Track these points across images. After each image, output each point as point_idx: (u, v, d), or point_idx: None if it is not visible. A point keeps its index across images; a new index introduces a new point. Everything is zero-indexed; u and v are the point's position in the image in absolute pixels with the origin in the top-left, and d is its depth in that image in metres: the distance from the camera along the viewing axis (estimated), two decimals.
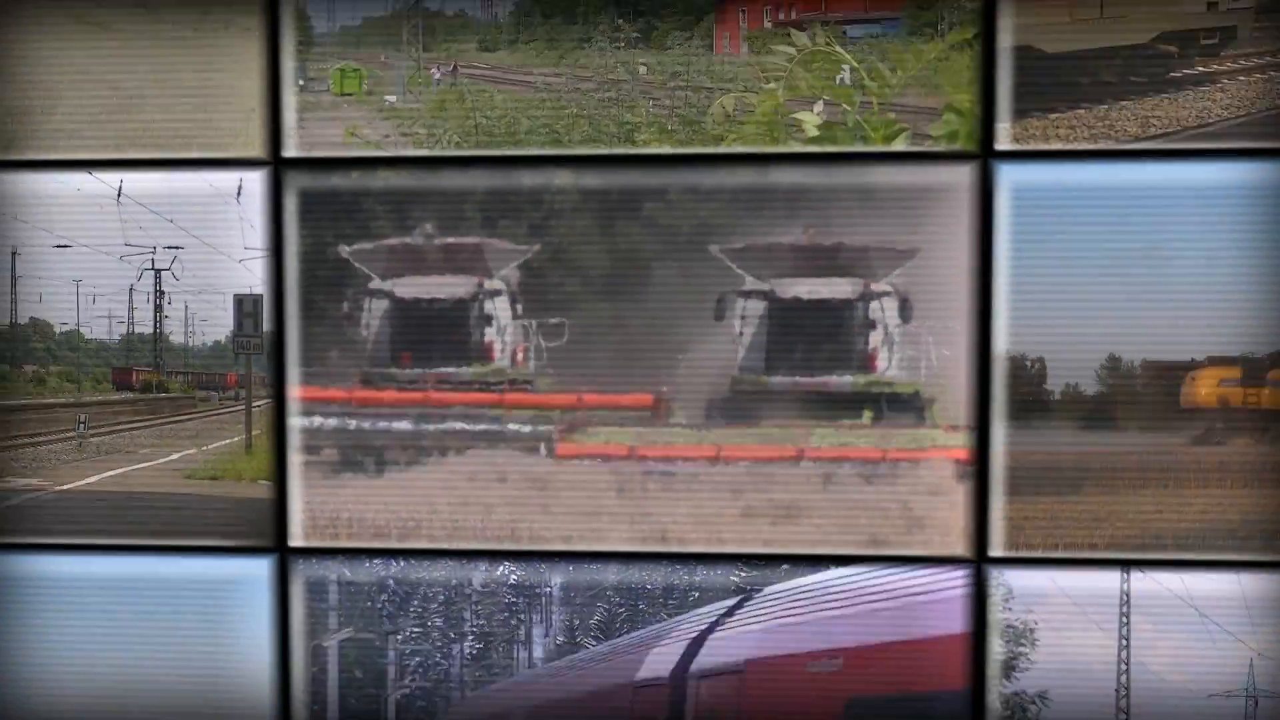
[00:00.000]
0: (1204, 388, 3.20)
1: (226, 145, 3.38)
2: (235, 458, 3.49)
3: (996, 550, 3.26)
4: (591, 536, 3.38)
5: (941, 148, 3.20)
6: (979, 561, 3.26)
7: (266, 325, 3.42)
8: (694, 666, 3.41)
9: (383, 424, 3.42)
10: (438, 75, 3.39)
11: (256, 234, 3.39)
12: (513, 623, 3.48)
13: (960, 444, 3.25)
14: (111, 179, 3.43)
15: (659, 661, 3.43)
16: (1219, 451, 3.22)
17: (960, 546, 3.27)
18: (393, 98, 3.40)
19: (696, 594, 3.37)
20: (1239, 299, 3.16)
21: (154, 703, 3.53)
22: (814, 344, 3.36)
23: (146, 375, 3.59)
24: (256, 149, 3.37)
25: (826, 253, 3.30)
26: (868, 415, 3.32)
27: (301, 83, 3.37)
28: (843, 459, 3.31)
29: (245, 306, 3.43)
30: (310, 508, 3.44)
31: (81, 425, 3.58)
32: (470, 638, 3.50)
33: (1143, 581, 3.23)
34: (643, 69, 3.32)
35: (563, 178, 3.32)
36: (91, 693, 3.55)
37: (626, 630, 3.42)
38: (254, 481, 3.46)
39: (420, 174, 3.37)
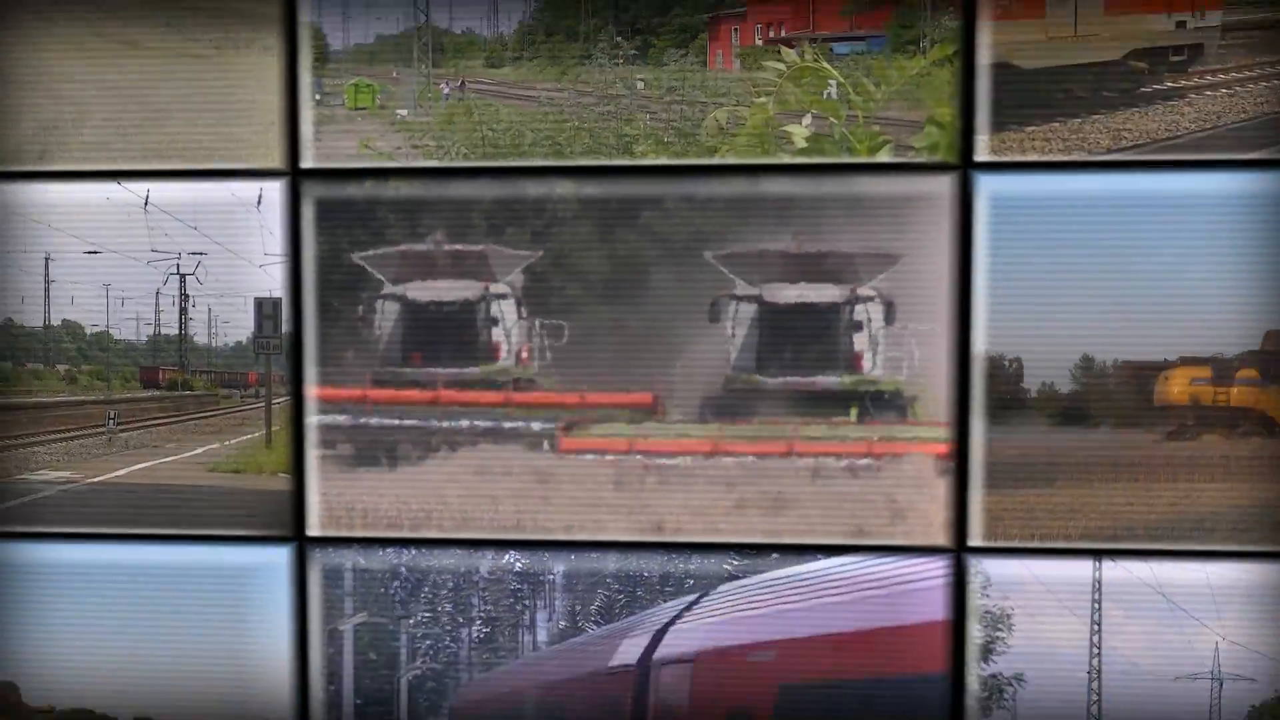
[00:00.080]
0: (1176, 386, 3.20)
1: (247, 157, 3.37)
2: (256, 452, 3.48)
3: (975, 540, 3.26)
4: (592, 527, 3.38)
5: (923, 159, 3.20)
6: (959, 551, 3.26)
7: (285, 327, 3.42)
8: (656, 655, 3.42)
9: (395, 421, 3.41)
10: (446, 90, 3.39)
11: (276, 241, 3.39)
12: (518, 608, 3.48)
13: (941, 440, 3.25)
14: (139, 189, 3.42)
15: (629, 649, 3.45)
16: (1189, 447, 3.21)
17: (941, 537, 3.27)
18: (404, 112, 3.39)
19: (691, 581, 3.37)
20: (1209, 303, 3.14)
21: (180, 682, 3.53)
22: (803, 345, 3.35)
23: (172, 374, 3.58)
24: (275, 160, 3.36)
25: (814, 259, 3.29)
26: (854, 412, 3.31)
27: (318, 97, 3.36)
28: (830, 454, 3.30)
29: (265, 309, 3.42)
30: (327, 499, 3.44)
31: (111, 421, 3.58)
32: (478, 622, 3.50)
33: (1114, 570, 3.23)
34: (640, 84, 3.31)
35: (564, 187, 3.31)
36: (121, 672, 3.55)
37: (625, 614, 3.41)
38: (274, 474, 3.45)
39: (430, 184, 3.35)
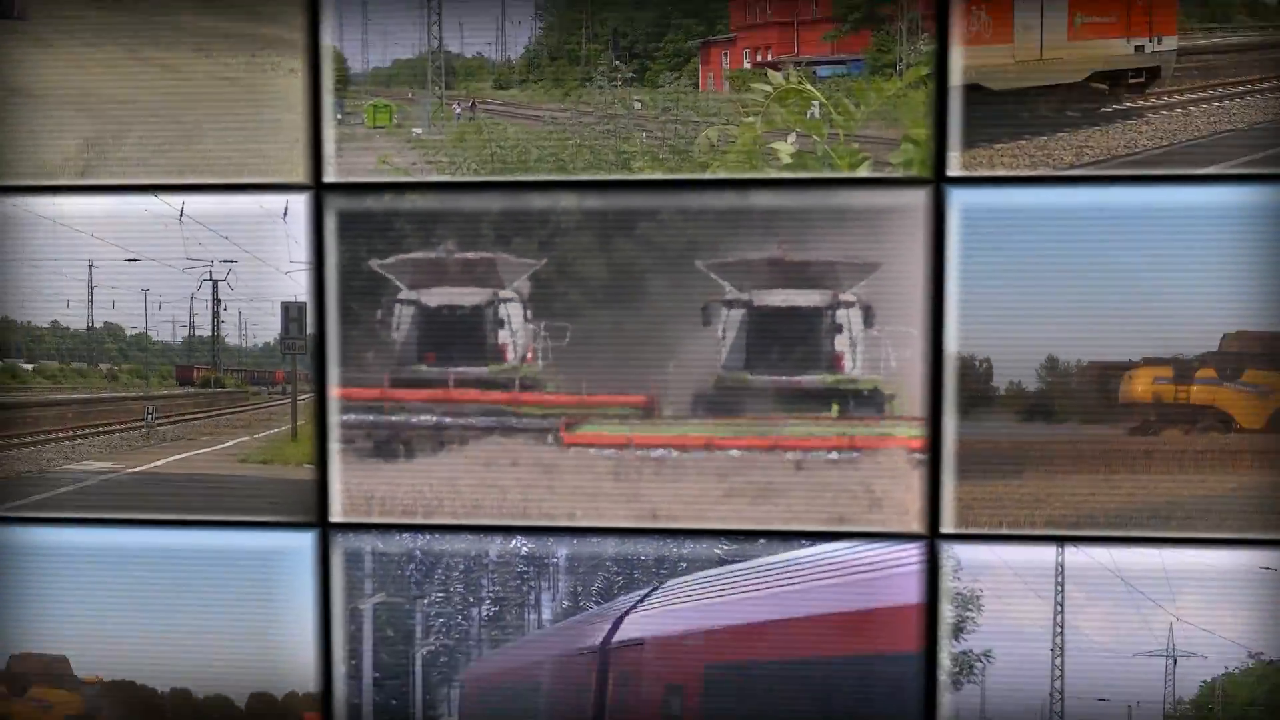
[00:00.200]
0: (1140, 385, 3.20)
1: (274, 172, 3.37)
2: (283, 444, 3.48)
3: (948, 527, 3.25)
4: (593, 514, 3.37)
5: (900, 174, 3.19)
6: (932, 537, 3.26)
7: (309, 329, 3.41)
8: (614, 639, 3.46)
9: (410, 418, 3.41)
10: (458, 110, 3.38)
11: (300, 249, 3.39)
12: (524, 589, 3.47)
13: (916, 434, 3.24)
14: (174, 201, 3.42)
15: (596, 633, 3.48)
16: (1150, 441, 3.21)
17: (916, 524, 3.26)
18: (419, 130, 3.39)
19: (685, 564, 3.36)
20: (1169, 308, 3.14)
21: (214, 656, 3.54)
22: (788, 347, 3.35)
23: (205, 372, 3.57)
24: (300, 175, 3.36)
25: (799, 266, 3.29)
26: (835, 409, 3.31)
27: (339, 117, 3.35)
28: (813, 447, 3.29)
29: (291, 312, 3.42)
30: (348, 489, 3.44)
31: (150, 416, 3.58)
32: (487, 602, 3.49)
33: (1076, 555, 3.23)
34: (637, 105, 3.31)
35: (567, 200, 3.31)
36: (160, 647, 3.56)
37: (622, 594, 3.41)
38: (299, 465, 3.45)
39: (443, 197, 3.35)
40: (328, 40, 3.34)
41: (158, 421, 3.58)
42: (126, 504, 3.53)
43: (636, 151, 3.30)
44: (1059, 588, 3.25)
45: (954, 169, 3.17)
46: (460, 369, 3.44)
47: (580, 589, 3.45)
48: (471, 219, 3.35)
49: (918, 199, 3.19)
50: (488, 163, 3.34)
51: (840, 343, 3.32)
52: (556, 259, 3.34)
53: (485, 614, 3.51)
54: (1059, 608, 3.26)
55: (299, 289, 3.41)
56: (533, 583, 3.47)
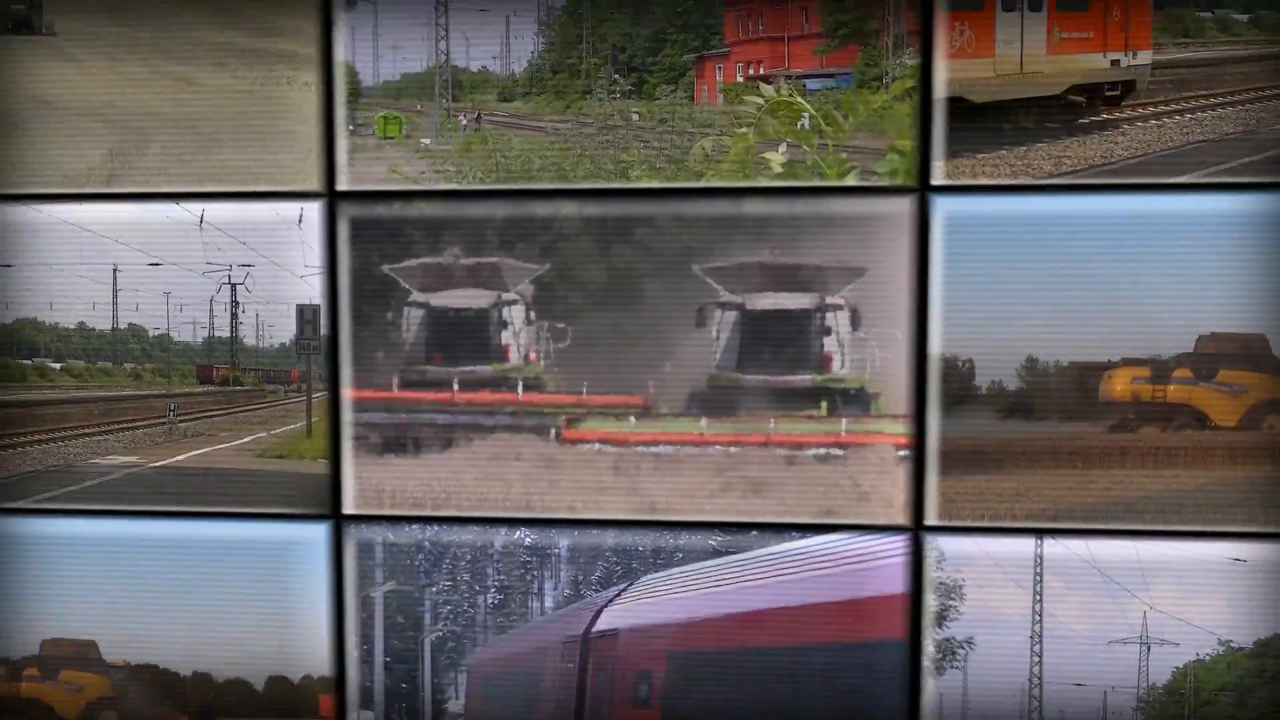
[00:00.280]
0: (1119, 384, 3.19)
1: (289, 180, 3.37)
2: (298, 440, 3.47)
3: (931, 520, 3.25)
4: (593, 507, 3.37)
5: (886, 183, 3.18)
6: (917, 529, 3.25)
7: (323, 330, 3.41)
8: (593, 629, 3.47)
9: (419, 416, 3.41)
10: (464, 122, 3.38)
11: (314, 254, 3.39)
12: (527, 578, 3.47)
13: (901, 431, 3.24)
14: (195, 209, 3.42)
15: (579, 623, 3.50)
16: (1126, 438, 3.20)
17: (901, 517, 3.26)
18: (427, 140, 3.38)
19: (680, 555, 3.36)
20: (1147, 311, 3.14)
21: (233, 641, 3.55)
22: (779, 347, 3.34)
23: (224, 371, 3.57)
24: (314, 183, 3.36)
25: (789, 270, 3.28)
26: (824, 407, 3.30)
27: (351, 128, 3.35)
28: (803, 443, 3.29)
29: (305, 314, 3.42)
30: (360, 482, 3.44)
31: (171, 413, 3.58)
32: (492, 590, 3.49)
33: (1054, 547, 3.23)
34: (635, 116, 3.30)
35: (568, 207, 3.30)
36: (182, 632, 3.57)
37: (619, 583, 3.41)
38: (313, 460, 3.45)
39: (450, 204, 3.35)
40: (340, 55, 3.34)
41: (179, 418, 3.58)
42: (150, 497, 3.53)
43: (634, 161, 3.29)
44: (1038, 578, 3.25)
45: (938, 178, 3.16)
46: (466, 368, 3.43)
47: (581, 578, 3.44)
48: (477, 225, 3.35)
49: (903, 207, 3.19)
50: (493, 172, 3.33)
51: (829, 344, 3.31)
52: (558, 263, 3.34)
53: (490, 602, 3.51)
54: (1038, 597, 3.25)
55: (313, 292, 3.41)
56: (535, 572, 3.47)
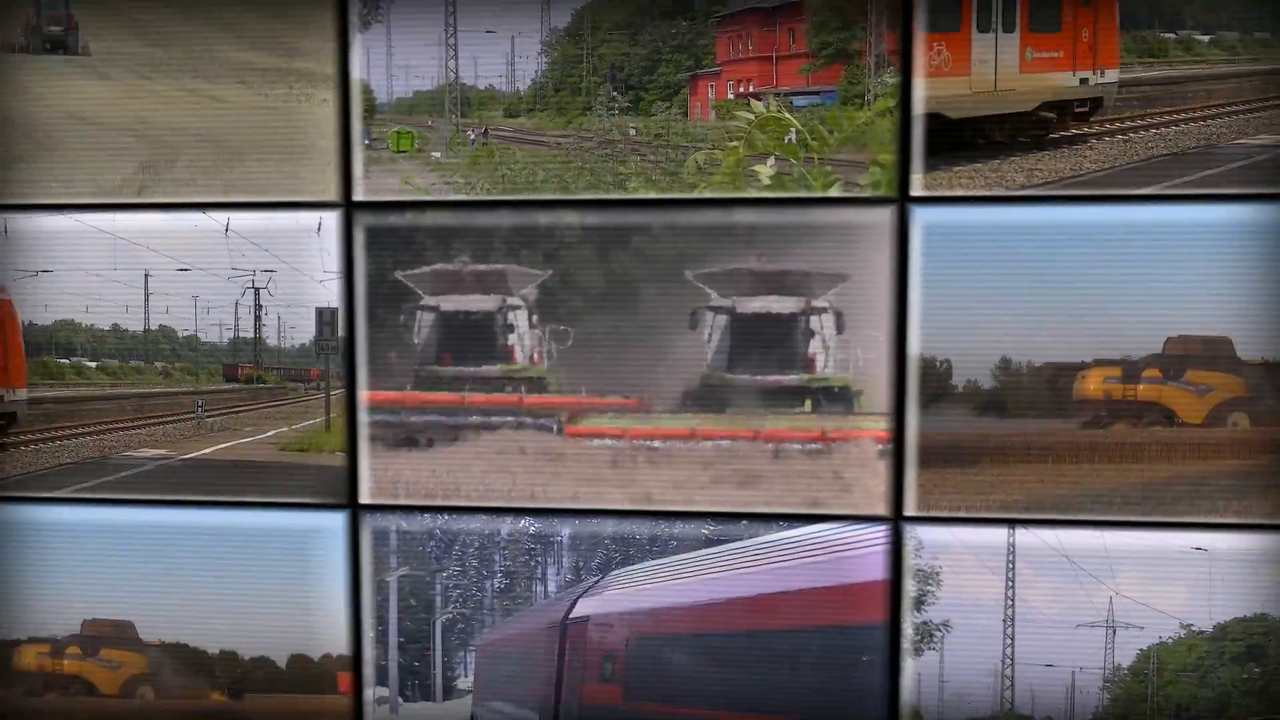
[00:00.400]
0: (1092, 384, 3.18)
1: (309, 191, 3.37)
2: (317, 434, 3.48)
3: (910, 510, 3.25)
4: (593, 498, 3.37)
5: (868, 194, 3.18)
6: (896, 519, 3.26)
7: (341, 332, 3.41)
8: (570, 616, 3.50)
9: (430, 415, 3.41)
10: (472, 136, 3.38)
11: (332, 260, 3.39)
12: (531, 564, 3.48)
13: (882, 427, 3.24)
14: (220, 217, 3.42)
15: (560, 610, 3.52)
16: (1095, 434, 3.19)
17: (881, 507, 3.26)
18: (438, 154, 3.38)
19: (675, 543, 3.36)
20: (1118, 314, 3.14)
21: (257, 622, 3.55)
22: (767, 349, 3.34)
23: (249, 370, 3.57)
24: (332, 194, 3.36)
25: (777, 276, 3.28)
26: (809, 404, 3.30)
27: (367, 142, 3.35)
28: (789, 438, 3.28)
29: (324, 317, 3.42)
30: (375, 474, 3.45)
31: (199, 409, 3.58)
32: (498, 575, 3.50)
33: (1026, 536, 3.23)
34: (632, 131, 3.30)
35: (570, 217, 3.31)
36: (210, 613, 3.58)
37: (617, 568, 3.42)
38: (332, 453, 3.45)
39: (459, 214, 3.34)
40: (356, 74, 3.34)
41: (207, 414, 3.58)
42: (180, 487, 3.54)
43: (631, 173, 3.29)
44: (1010, 565, 3.25)
45: (916, 189, 3.16)
46: (473, 368, 3.43)
47: (581, 564, 3.45)
48: (484, 234, 3.35)
49: (884, 216, 3.19)
50: (499, 183, 3.33)
51: (814, 345, 3.30)
52: (560, 270, 3.34)
53: (497, 586, 3.51)
54: (1010, 583, 3.26)
55: (331, 296, 3.41)
56: (539, 558, 3.47)
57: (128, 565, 3.59)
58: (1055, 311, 3.15)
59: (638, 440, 3.34)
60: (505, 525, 3.47)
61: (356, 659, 3.54)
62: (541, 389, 3.40)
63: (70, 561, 3.62)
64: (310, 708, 3.56)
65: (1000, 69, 3.18)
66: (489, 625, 3.56)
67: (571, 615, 3.50)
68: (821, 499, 3.29)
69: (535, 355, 3.41)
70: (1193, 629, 3.22)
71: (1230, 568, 3.18)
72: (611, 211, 3.31)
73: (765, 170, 3.24)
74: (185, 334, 3.56)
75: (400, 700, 3.57)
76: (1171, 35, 3.12)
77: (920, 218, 3.18)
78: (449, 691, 3.59)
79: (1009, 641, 3.27)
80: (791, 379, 3.33)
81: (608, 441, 3.35)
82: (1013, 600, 3.26)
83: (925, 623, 3.28)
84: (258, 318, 3.52)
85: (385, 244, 3.38)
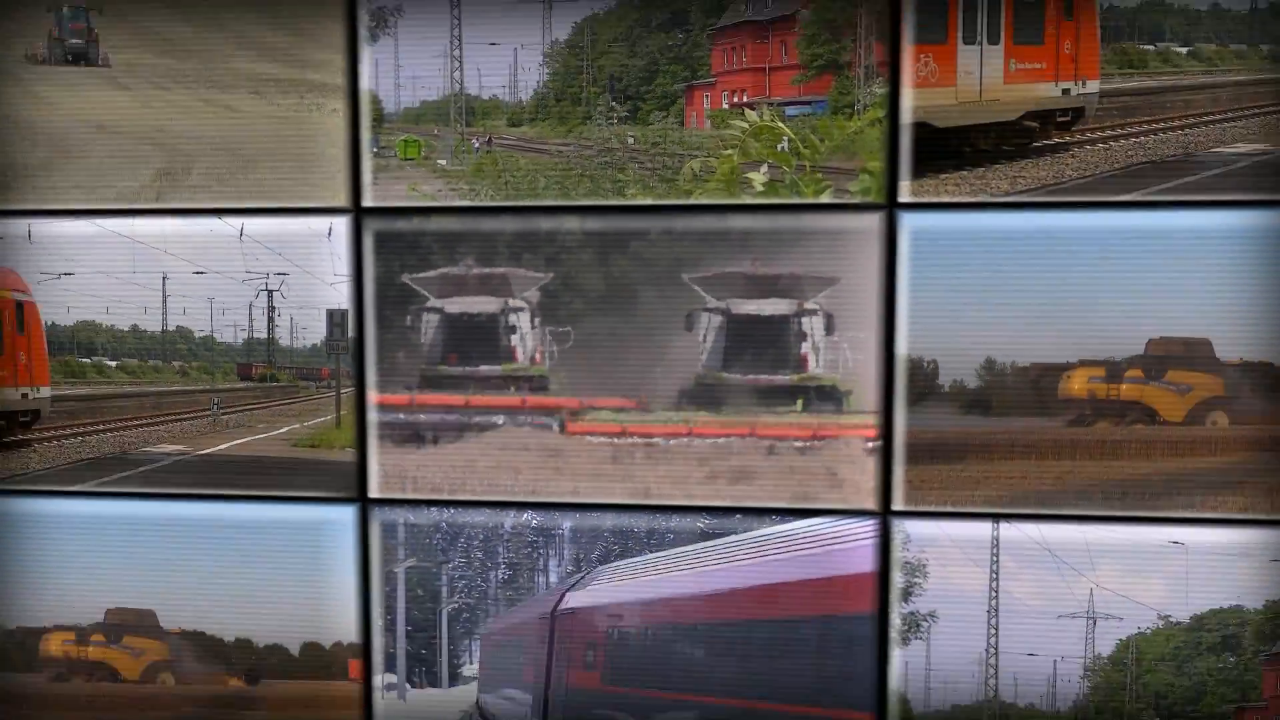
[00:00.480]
0: (1076, 383, 3.18)
1: (320, 197, 3.38)
2: (328, 431, 3.48)
3: (898, 505, 3.25)
4: (593, 492, 3.37)
5: (857, 200, 3.18)
6: (884, 514, 3.26)
7: (350, 332, 3.42)
8: (558, 608, 3.51)
9: (437, 414, 3.41)
10: (477, 145, 3.38)
11: (342, 264, 3.39)
12: (534, 556, 3.48)
13: (870, 424, 3.24)
14: (235, 223, 3.43)
15: (550, 602, 3.53)
16: (1076, 432, 3.19)
17: (870, 502, 3.26)
18: (443, 161, 3.38)
19: (671, 536, 3.37)
20: (1102, 317, 3.13)
21: (271, 611, 3.56)
22: (760, 349, 3.34)
23: (262, 369, 3.57)
24: (342, 200, 3.37)
25: (769, 279, 3.28)
26: (800, 403, 3.30)
27: (375, 150, 3.36)
28: (782, 436, 3.29)
29: (334, 318, 3.43)
30: (384, 469, 3.45)
31: (215, 406, 3.58)
32: (502, 566, 3.51)
33: (1009, 530, 3.23)
34: (630, 140, 3.31)
35: (570, 222, 3.31)
36: (226, 602, 3.58)
37: (616, 560, 3.42)
38: (342, 449, 3.46)
39: (464, 219, 3.35)
40: (365, 85, 3.34)
41: (222, 411, 3.58)
42: (196, 481, 3.55)
43: (630, 180, 3.29)
44: (994, 558, 3.25)
45: (904, 196, 3.16)
46: (477, 368, 3.43)
47: (582, 556, 3.45)
48: (488, 239, 3.35)
49: (873, 222, 3.19)
50: (502, 190, 3.33)
51: (805, 346, 3.30)
52: (561, 273, 3.34)
53: (501, 577, 3.52)
54: (994, 575, 3.26)
55: (341, 298, 3.42)
56: (541, 551, 3.48)
57: (148, 556, 3.60)
58: (1039, 314, 3.15)
59: (636, 437, 3.34)
60: (509, 519, 3.47)
61: (366, 646, 3.55)
62: (543, 388, 3.40)
63: (93, 552, 3.63)
64: (321, 693, 3.57)
65: (985, 80, 3.19)
66: (493, 615, 3.57)
67: (559, 607, 3.52)
68: (812, 494, 3.30)
69: (537, 355, 3.41)
70: (1170, 620, 3.22)
71: (1206, 561, 3.18)
72: (610, 217, 3.31)
73: (759, 177, 3.24)
74: (201, 334, 3.56)
75: (408, 686, 3.58)
76: (1150, 47, 3.12)
77: (908, 223, 3.18)
78: (454, 678, 3.59)
79: (993, 631, 3.27)
80: (784, 378, 3.33)
81: (607, 439, 3.35)
82: (996, 592, 3.26)
83: (912, 613, 3.28)
84: (271, 319, 3.53)
85: (393, 248, 3.38)
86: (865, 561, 3.27)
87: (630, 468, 3.36)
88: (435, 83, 3.36)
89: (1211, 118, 3.11)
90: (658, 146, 3.30)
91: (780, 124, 3.26)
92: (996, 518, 3.25)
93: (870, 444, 3.26)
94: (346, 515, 3.49)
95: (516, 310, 3.40)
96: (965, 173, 3.16)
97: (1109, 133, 3.17)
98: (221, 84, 3.41)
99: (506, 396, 3.40)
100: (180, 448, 3.58)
